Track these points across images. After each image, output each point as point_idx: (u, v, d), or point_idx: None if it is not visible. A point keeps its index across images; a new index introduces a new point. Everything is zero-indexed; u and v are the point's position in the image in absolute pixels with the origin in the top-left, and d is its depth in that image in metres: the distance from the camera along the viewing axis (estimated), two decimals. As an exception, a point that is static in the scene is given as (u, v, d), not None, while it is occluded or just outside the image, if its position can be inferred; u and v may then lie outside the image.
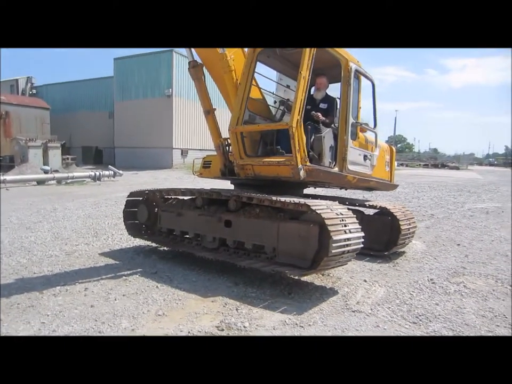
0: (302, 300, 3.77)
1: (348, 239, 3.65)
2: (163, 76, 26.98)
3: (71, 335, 2.92)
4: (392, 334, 3.08)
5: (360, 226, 3.92)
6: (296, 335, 3.02)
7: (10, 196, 12.19)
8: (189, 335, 2.97)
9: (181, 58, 26.01)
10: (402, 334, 3.08)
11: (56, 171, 18.94)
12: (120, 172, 19.42)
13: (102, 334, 2.94)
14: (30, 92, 35.90)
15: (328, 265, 3.74)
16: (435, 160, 50.60)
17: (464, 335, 3.02)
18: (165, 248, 5.51)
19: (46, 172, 18.06)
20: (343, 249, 3.61)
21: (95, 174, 17.58)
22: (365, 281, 4.40)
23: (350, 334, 3.06)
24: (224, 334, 3.01)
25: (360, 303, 3.73)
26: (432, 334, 3.08)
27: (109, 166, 20.92)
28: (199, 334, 2.98)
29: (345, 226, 3.69)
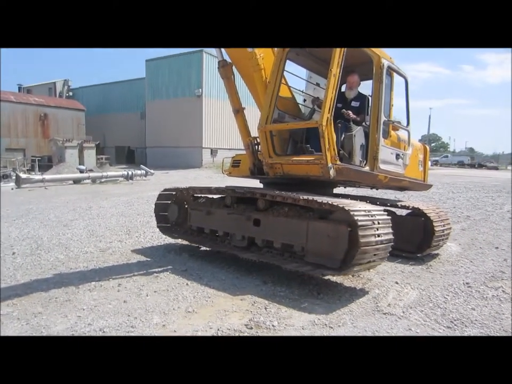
0: (331, 300, 3.72)
1: (379, 241, 3.56)
2: (193, 76, 27.48)
3: (72, 335, 2.90)
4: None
5: (392, 227, 3.81)
6: (321, 335, 2.98)
7: (48, 194, 12.79)
8: (208, 335, 2.99)
9: (210, 58, 26.35)
10: (437, 339, 2.98)
11: (91, 170, 19.74)
12: (152, 171, 19.93)
13: (134, 327, 3.03)
14: (67, 94, 37.54)
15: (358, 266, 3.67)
16: (472, 160, 48.51)
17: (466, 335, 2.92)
18: (195, 246, 5.59)
19: (81, 171, 18.87)
20: (373, 250, 3.53)
21: (128, 173, 18.16)
22: (397, 283, 4.28)
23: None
24: (253, 332, 3.02)
25: (391, 306, 3.63)
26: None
27: (141, 165, 21.53)
28: (228, 331, 3.00)
29: (376, 226, 3.61)
